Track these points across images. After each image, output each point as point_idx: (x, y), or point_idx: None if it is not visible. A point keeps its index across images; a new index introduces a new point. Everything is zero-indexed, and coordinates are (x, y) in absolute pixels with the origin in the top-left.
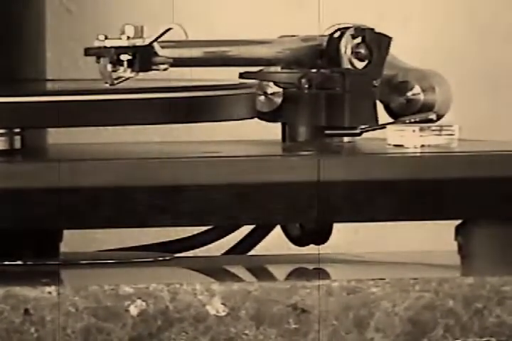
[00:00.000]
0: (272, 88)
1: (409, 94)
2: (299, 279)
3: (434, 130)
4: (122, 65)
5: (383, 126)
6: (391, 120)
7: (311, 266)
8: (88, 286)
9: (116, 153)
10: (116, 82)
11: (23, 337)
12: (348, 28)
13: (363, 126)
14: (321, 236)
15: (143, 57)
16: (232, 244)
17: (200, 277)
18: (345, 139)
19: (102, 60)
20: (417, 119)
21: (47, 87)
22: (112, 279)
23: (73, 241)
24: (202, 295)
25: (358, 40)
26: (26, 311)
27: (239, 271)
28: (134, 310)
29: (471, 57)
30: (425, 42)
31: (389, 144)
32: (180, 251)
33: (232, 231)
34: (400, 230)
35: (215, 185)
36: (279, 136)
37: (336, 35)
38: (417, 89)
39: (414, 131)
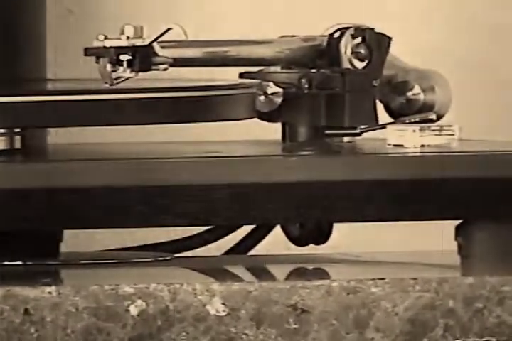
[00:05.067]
0: (271, 88)
1: (409, 94)
2: (299, 279)
3: (434, 130)
4: (122, 65)
5: (383, 126)
6: (391, 120)
7: (311, 266)
8: (88, 286)
9: (116, 153)
10: (116, 82)
11: (23, 337)
12: (348, 28)
13: (362, 126)
14: (321, 236)
15: (143, 57)
16: (232, 244)
17: (200, 277)
18: (345, 139)
19: (101, 60)
20: (417, 119)
21: (47, 87)
22: (112, 279)
23: (73, 241)
24: (202, 295)
25: (358, 40)
26: (26, 311)
27: (239, 271)
28: (134, 310)
29: (471, 56)
30: (425, 42)
31: (389, 144)
32: (180, 251)
33: (232, 231)
34: (400, 230)
35: (215, 185)
36: (279, 136)
37: (336, 35)
38: (417, 89)
39: (414, 131)
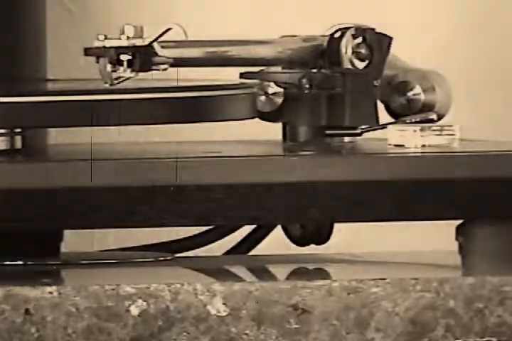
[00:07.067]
0: (272, 88)
1: (409, 94)
2: (300, 279)
3: (434, 130)
4: (122, 65)
5: (384, 126)
6: (392, 120)
7: (311, 266)
8: (89, 286)
9: (116, 153)
10: (116, 82)
11: (24, 337)
12: (348, 28)
13: (363, 126)
14: (322, 236)
15: (143, 57)
16: (232, 244)
17: (201, 277)
18: (346, 139)
19: (101, 60)
20: (418, 119)
21: (47, 87)
22: (113, 279)
23: (74, 241)
24: (203, 295)
25: (359, 40)
26: (27, 311)
27: (240, 270)
28: (134, 310)
29: (474, 56)
30: (427, 42)
31: (389, 144)
32: (181, 251)
33: (233, 231)
34: (400, 230)
35: (215, 185)
36: (280, 136)
37: (337, 35)
38: (417, 89)
39: (414, 131)
